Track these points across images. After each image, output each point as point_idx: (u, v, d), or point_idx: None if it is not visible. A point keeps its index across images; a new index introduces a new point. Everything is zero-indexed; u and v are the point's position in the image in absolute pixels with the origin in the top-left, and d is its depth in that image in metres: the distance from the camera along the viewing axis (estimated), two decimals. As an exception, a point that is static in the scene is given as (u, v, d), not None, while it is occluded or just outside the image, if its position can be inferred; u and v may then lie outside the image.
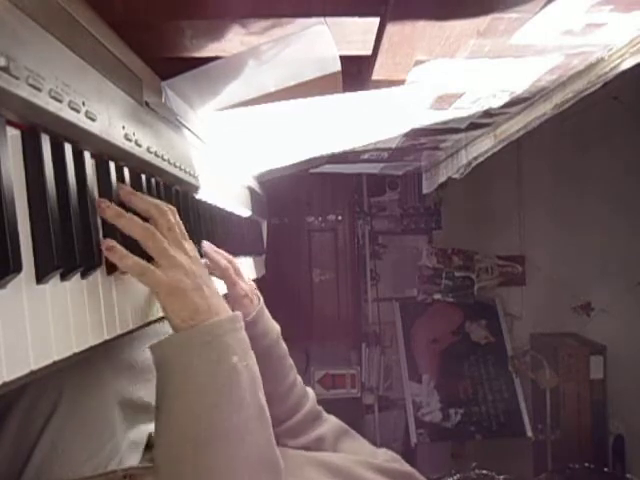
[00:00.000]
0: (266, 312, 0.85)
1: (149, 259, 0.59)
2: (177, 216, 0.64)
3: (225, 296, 0.83)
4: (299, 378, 0.88)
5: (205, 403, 0.56)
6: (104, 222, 0.56)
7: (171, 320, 0.59)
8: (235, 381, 0.58)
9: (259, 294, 0.86)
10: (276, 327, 0.86)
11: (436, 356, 2.76)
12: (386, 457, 0.78)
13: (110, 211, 0.56)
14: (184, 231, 0.65)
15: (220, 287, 0.82)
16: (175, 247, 0.60)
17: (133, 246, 0.57)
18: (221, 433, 0.56)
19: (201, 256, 0.76)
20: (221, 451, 0.56)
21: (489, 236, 2.89)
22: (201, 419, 0.56)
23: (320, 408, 0.87)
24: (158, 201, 0.63)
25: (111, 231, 0.56)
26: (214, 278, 0.80)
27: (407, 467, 0.77)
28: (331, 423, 0.85)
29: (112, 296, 0.57)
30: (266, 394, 0.75)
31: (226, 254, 0.85)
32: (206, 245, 0.82)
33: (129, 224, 0.57)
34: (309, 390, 0.89)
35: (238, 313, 0.63)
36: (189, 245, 0.63)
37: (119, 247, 0.55)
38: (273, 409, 0.77)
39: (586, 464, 2.13)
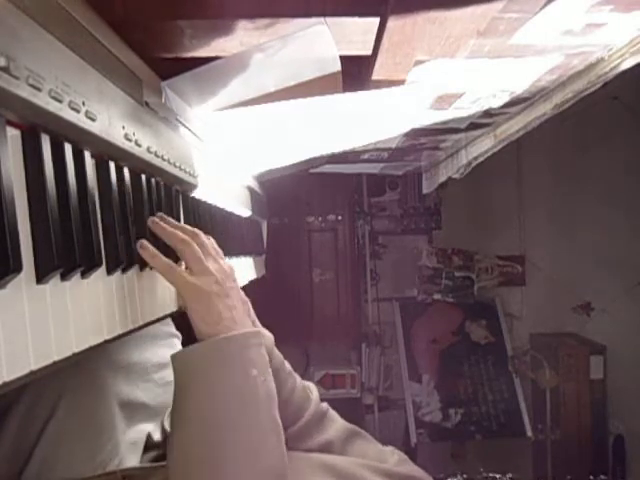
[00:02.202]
0: (257, 322, 0.78)
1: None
2: (211, 239, 0.69)
3: None
4: (299, 381, 0.84)
5: (226, 416, 0.57)
6: (103, 215, 0.57)
7: (195, 323, 0.60)
8: (253, 394, 0.59)
9: (245, 298, 0.76)
10: (270, 336, 0.78)
11: (436, 356, 2.76)
12: (394, 459, 0.77)
13: (160, 226, 0.63)
14: (219, 251, 0.69)
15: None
16: (210, 259, 0.64)
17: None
18: (239, 447, 0.57)
19: None
20: (239, 464, 0.56)
21: (489, 236, 2.89)
22: (221, 432, 0.56)
23: (325, 406, 0.84)
24: (184, 225, 0.68)
25: (110, 223, 0.57)
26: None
27: (415, 469, 0.76)
28: (338, 425, 0.82)
29: (112, 296, 0.57)
30: None
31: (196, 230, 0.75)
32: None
33: (172, 236, 0.63)
34: (312, 387, 0.86)
35: (262, 329, 0.66)
36: (223, 265, 0.66)
37: (151, 247, 0.60)
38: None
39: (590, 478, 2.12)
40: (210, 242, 0.68)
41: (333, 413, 0.85)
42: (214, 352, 0.59)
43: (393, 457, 0.78)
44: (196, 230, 0.67)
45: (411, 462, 0.78)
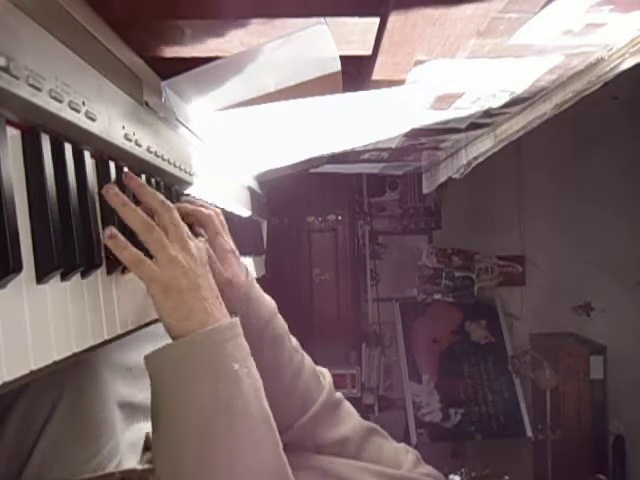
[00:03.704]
0: (256, 286, 0.76)
1: (150, 257, 0.57)
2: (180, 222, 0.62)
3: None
4: (309, 361, 0.79)
5: (207, 415, 0.54)
6: (103, 215, 0.56)
7: (163, 320, 0.56)
8: (238, 389, 0.56)
9: (248, 268, 0.77)
10: (268, 304, 0.76)
11: (436, 356, 2.76)
12: (409, 461, 0.74)
13: (116, 198, 0.55)
14: (189, 231, 0.62)
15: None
16: (177, 245, 0.58)
17: (134, 242, 0.57)
18: (225, 444, 0.54)
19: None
20: (226, 463, 0.54)
21: (489, 236, 2.89)
22: (204, 432, 0.54)
23: (340, 396, 0.78)
24: (164, 198, 0.61)
25: (110, 222, 0.56)
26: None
27: (428, 470, 0.74)
28: (355, 421, 0.77)
29: (112, 296, 0.57)
30: (267, 385, 0.68)
31: (208, 207, 0.77)
32: (193, 200, 0.77)
33: (131, 214, 0.56)
34: (325, 373, 0.81)
35: (236, 319, 0.60)
36: (195, 244, 0.61)
37: (121, 236, 0.54)
38: (280, 402, 0.69)
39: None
40: (179, 222, 0.60)
41: (349, 405, 0.79)
42: (189, 353, 0.55)
43: (407, 457, 0.76)
44: (166, 204, 0.60)
45: (423, 462, 0.76)
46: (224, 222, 0.77)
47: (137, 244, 0.57)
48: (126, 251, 0.54)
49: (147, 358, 0.56)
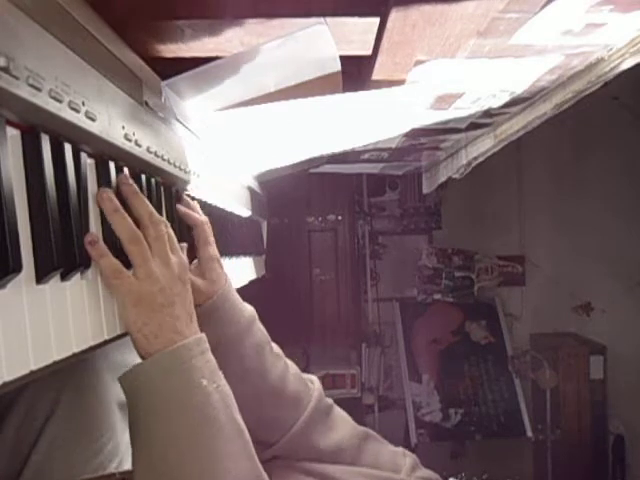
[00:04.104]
0: (234, 293, 0.77)
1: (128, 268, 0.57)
2: (170, 229, 0.62)
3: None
4: (294, 369, 0.79)
5: (180, 432, 0.54)
6: (103, 215, 0.55)
7: (131, 333, 0.56)
8: (207, 404, 0.56)
9: (228, 276, 0.78)
10: (247, 310, 0.77)
11: (436, 356, 2.76)
12: (407, 465, 0.74)
13: (109, 203, 0.55)
14: (176, 244, 0.62)
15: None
16: (159, 259, 0.58)
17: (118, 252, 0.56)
18: (200, 460, 0.54)
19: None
20: (201, 477, 0.54)
21: (489, 236, 2.89)
22: (178, 448, 0.54)
23: (330, 401, 0.78)
24: (154, 210, 0.61)
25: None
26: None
27: (427, 474, 0.74)
28: (348, 426, 0.77)
29: (114, 296, 0.57)
30: (255, 392, 0.71)
31: (203, 216, 0.79)
32: (191, 202, 0.78)
33: (120, 222, 0.56)
34: (314, 380, 0.80)
35: (203, 335, 0.60)
36: (177, 259, 0.61)
37: (101, 244, 0.53)
38: (270, 409, 0.72)
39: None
40: (167, 231, 0.61)
41: (341, 411, 0.79)
42: (158, 373, 0.55)
43: (405, 460, 0.75)
44: (155, 217, 0.60)
45: (421, 465, 0.76)
46: (210, 233, 0.78)
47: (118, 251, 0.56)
48: (105, 259, 0.53)
49: (120, 379, 0.56)
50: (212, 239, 0.77)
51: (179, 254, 0.62)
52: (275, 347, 0.78)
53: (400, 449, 0.78)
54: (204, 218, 0.77)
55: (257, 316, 0.78)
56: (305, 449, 0.72)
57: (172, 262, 0.60)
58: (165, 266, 0.58)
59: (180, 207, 0.75)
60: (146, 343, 0.55)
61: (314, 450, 0.72)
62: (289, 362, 0.79)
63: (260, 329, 0.77)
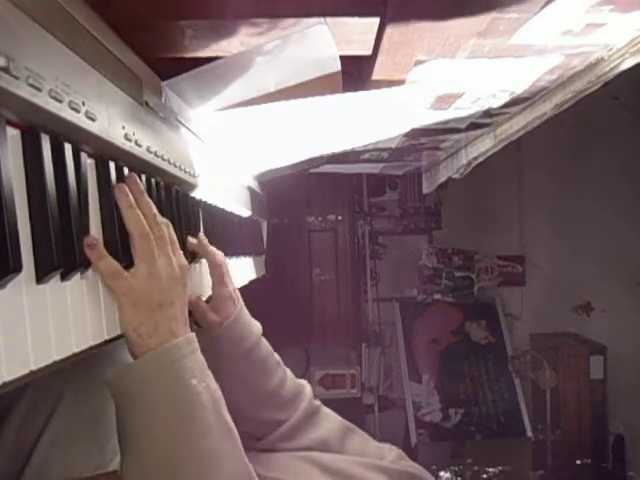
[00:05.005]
0: (246, 313, 0.83)
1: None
2: (172, 231, 0.63)
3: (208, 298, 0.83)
4: (290, 376, 0.85)
5: (171, 431, 0.54)
6: (103, 215, 0.55)
7: (127, 333, 0.56)
8: (197, 403, 0.56)
9: (239, 295, 0.84)
10: (256, 328, 0.83)
11: (436, 356, 2.76)
12: (392, 456, 0.77)
13: (126, 198, 0.56)
14: (177, 246, 0.63)
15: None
16: (163, 259, 0.59)
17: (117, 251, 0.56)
18: (191, 459, 0.54)
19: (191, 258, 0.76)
20: (192, 475, 0.54)
21: (489, 236, 2.89)
22: (169, 448, 0.54)
23: (318, 403, 0.84)
24: (157, 212, 0.61)
25: (110, 223, 0.56)
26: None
27: (412, 465, 0.76)
28: (333, 422, 0.82)
29: (112, 296, 0.57)
30: (251, 398, 0.77)
31: (220, 252, 0.84)
32: (203, 238, 0.81)
33: (135, 218, 0.57)
34: (305, 384, 0.86)
35: (193, 334, 0.61)
36: (178, 259, 0.61)
37: (101, 246, 0.53)
38: (263, 412, 0.79)
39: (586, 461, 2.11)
40: (169, 232, 0.62)
41: (327, 410, 0.85)
42: (149, 373, 0.55)
43: (390, 453, 0.78)
44: (158, 218, 0.61)
45: (408, 458, 0.78)
46: (228, 269, 0.84)
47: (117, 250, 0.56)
48: (103, 261, 0.53)
49: (108, 378, 0.56)
50: (229, 278, 0.82)
51: (180, 256, 0.63)
52: (276, 356, 0.85)
53: (387, 444, 0.82)
54: (222, 257, 0.83)
55: (262, 331, 0.84)
56: (293, 443, 0.78)
57: (174, 263, 0.60)
58: (167, 266, 0.59)
59: (202, 242, 0.80)
60: (140, 342, 0.56)
61: (301, 444, 0.78)
62: (287, 369, 0.86)
63: (265, 343, 0.84)
